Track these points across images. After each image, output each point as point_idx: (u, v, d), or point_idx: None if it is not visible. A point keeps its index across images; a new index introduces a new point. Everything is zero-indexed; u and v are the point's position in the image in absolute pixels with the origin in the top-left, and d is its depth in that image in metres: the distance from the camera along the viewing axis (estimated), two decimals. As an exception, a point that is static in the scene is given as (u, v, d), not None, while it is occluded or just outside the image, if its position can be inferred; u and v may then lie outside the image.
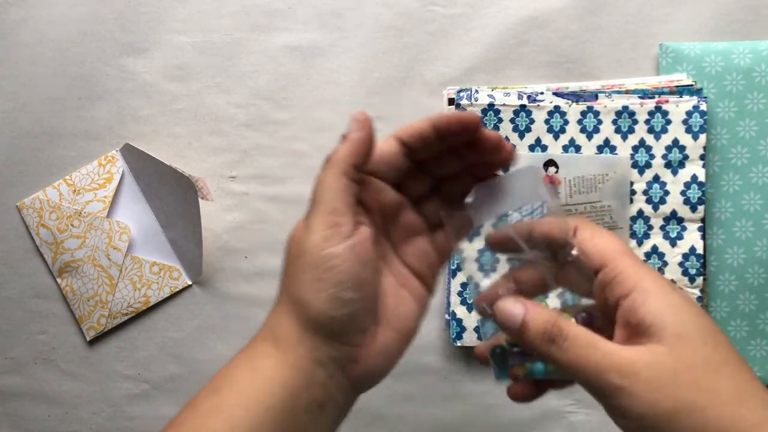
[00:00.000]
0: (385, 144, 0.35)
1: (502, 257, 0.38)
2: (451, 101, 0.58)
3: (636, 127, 0.56)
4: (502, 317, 0.34)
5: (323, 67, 0.60)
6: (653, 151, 0.56)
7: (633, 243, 0.57)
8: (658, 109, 0.56)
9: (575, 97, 0.57)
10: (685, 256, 0.56)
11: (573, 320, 0.33)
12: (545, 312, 0.33)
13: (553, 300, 0.37)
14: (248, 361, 0.34)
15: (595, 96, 0.57)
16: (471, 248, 0.38)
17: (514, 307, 0.34)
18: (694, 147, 0.56)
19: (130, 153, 0.61)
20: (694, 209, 0.56)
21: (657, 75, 0.58)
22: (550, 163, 0.57)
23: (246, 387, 0.33)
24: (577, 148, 0.57)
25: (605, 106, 0.56)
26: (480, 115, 0.57)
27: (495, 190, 0.36)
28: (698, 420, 0.29)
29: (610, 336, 0.32)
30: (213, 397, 0.33)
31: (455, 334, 0.58)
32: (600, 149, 0.57)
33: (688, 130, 0.56)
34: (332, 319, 0.33)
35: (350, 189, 0.34)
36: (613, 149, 0.57)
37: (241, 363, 0.35)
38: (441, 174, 0.37)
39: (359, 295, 0.33)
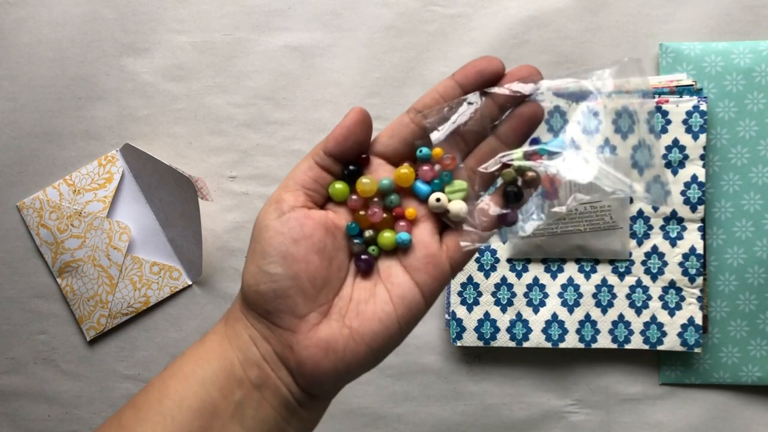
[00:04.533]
0: (398, 119, 0.34)
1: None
2: (451, 101, 0.58)
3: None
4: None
5: (323, 67, 0.60)
6: (653, 151, 0.56)
7: (633, 243, 0.57)
8: (658, 109, 0.56)
9: (575, 97, 0.57)
10: (685, 256, 0.56)
11: None
12: None
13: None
14: (201, 337, 0.35)
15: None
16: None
17: None
18: (694, 147, 0.56)
19: (130, 153, 0.61)
20: (694, 209, 0.56)
21: (657, 75, 0.58)
22: (550, 163, 0.57)
23: (188, 359, 0.34)
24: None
25: (605, 106, 0.56)
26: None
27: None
28: None
29: None
30: (163, 371, 0.34)
31: (455, 334, 0.58)
32: (600, 149, 0.57)
33: (688, 130, 0.56)
34: (258, 294, 0.33)
35: (310, 171, 0.34)
36: (613, 149, 0.56)
37: (199, 339, 0.35)
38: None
39: (287, 272, 0.32)
